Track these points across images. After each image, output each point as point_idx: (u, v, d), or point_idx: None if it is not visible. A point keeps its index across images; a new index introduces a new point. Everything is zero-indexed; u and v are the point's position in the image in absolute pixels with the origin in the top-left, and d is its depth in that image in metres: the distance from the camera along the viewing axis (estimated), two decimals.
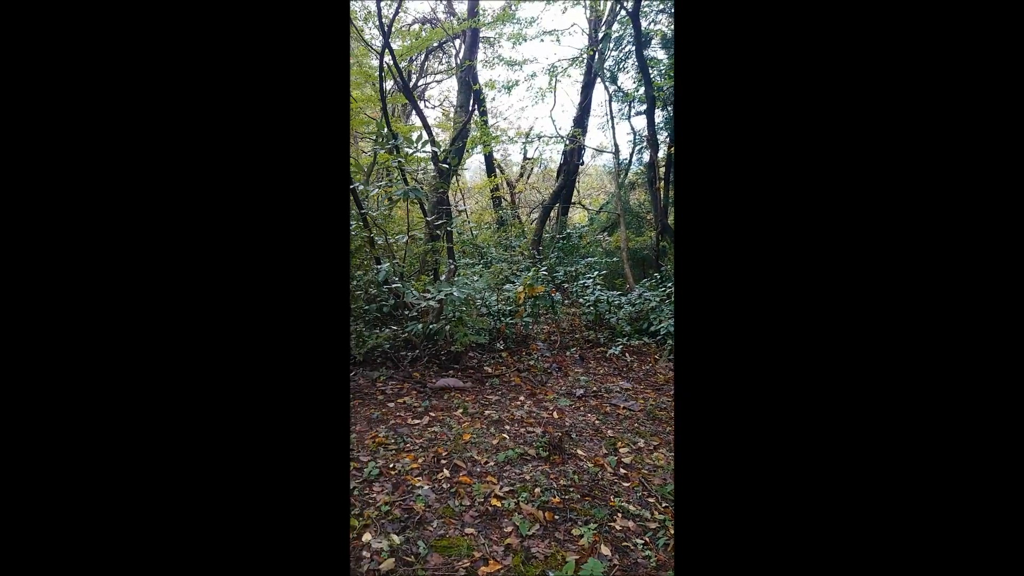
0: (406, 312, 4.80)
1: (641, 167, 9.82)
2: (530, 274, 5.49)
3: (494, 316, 5.31)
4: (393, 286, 4.65)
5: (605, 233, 10.03)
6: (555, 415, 3.68)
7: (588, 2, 9.35)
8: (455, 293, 4.39)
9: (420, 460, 2.90)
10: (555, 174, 11.50)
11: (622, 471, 2.87)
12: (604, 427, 3.50)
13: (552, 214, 10.53)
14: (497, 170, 11.74)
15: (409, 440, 3.15)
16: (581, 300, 6.43)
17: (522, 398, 4.00)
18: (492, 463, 2.90)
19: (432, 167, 7.23)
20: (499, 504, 2.49)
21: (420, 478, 2.71)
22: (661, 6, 8.63)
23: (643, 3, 7.65)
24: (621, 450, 3.13)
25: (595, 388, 4.29)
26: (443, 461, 2.90)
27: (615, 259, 8.15)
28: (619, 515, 2.43)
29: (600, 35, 9.33)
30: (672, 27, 8.59)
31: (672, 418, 3.69)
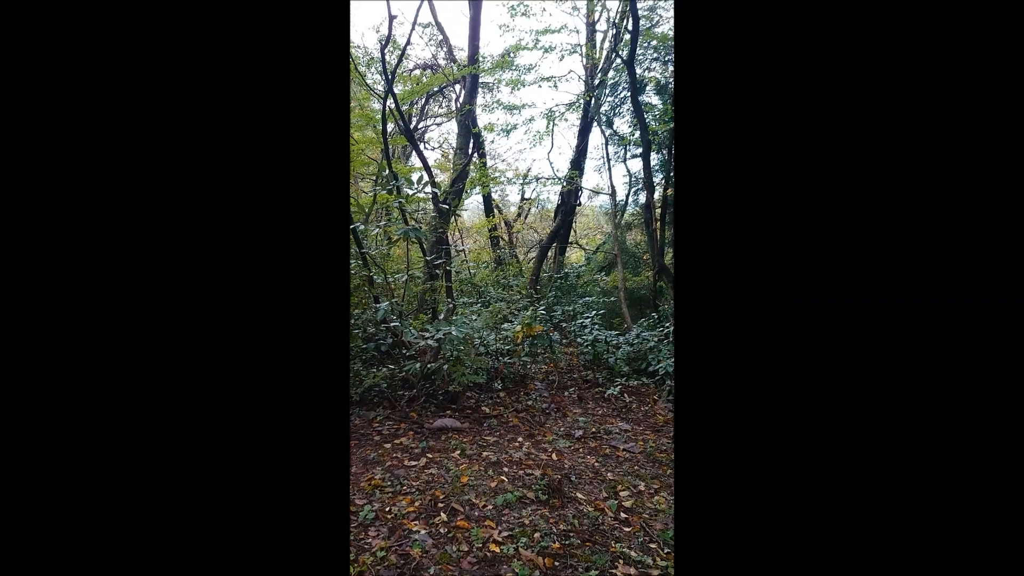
0: (404, 351, 4.79)
1: (637, 208, 9.96)
2: (528, 313, 5.50)
3: (492, 356, 5.29)
4: (391, 325, 4.64)
5: (602, 273, 10.09)
6: (554, 457, 3.63)
7: (585, 50, 9.66)
8: (453, 332, 4.39)
9: (417, 503, 2.85)
10: (552, 214, 11.64)
11: (623, 515, 2.82)
12: (604, 469, 3.45)
13: (550, 254, 10.61)
14: (495, 210, 11.88)
15: (406, 482, 3.10)
16: (579, 340, 6.42)
17: (520, 439, 3.96)
18: (490, 507, 2.85)
19: (431, 207, 7.33)
20: (498, 550, 2.43)
21: (417, 522, 2.65)
22: (655, 54, 8.92)
23: (638, 51, 7.91)
24: (621, 493, 3.08)
25: (594, 429, 4.24)
26: (440, 504, 2.85)
27: (612, 299, 8.18)
28: (620, 562, 2.38)
29: (596, 81, 9.60)
30: (666, 75, 8.85)
31: (672, 460, 3.64)
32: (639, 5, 7.49)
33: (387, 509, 2.77)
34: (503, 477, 3.24)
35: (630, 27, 7.13)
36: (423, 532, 2.55)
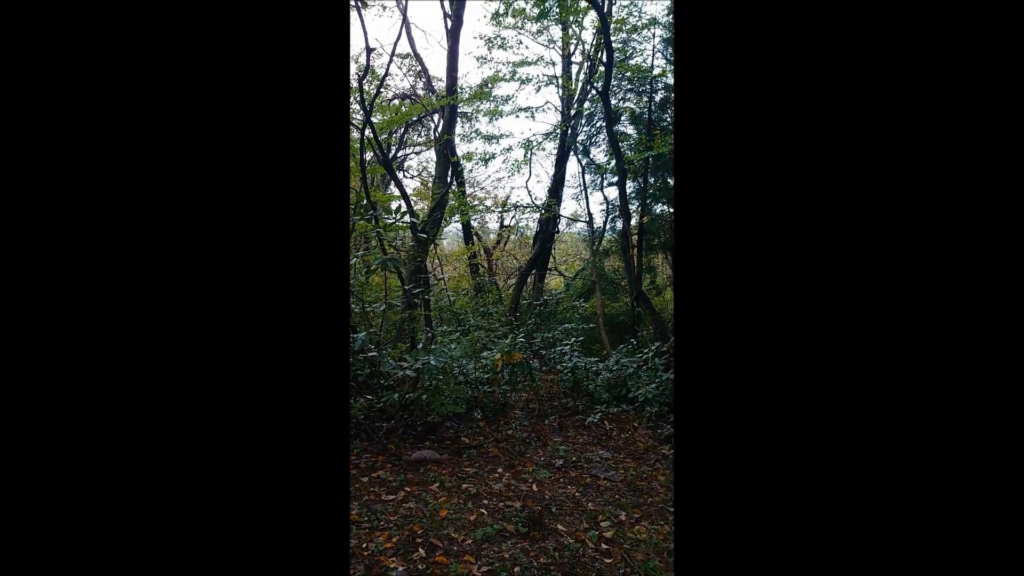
0: (382, 381, 4.73)
1: (615, 235, 10.08)
2: (507, 341, 5.49)
3: (471, 385, 5.25)
4: (369, 355, 4.59)
5: (581, 299, 10.15)
6: (534, 488, 3.59)
7: (561, 81, 9.88)
8: (432, 362, 4.36)
9: (395, 539, 2.79)
10: (531, 241, 11.72)
11: (604, 546, 2.79)
12: (584, 499, 3.42)
13: (529, 280, 10.65)
14: (475, 238, 11.94)
15: (383, 517, 3.03)
16: (559, 367, 6.41)
17: (500, 470, 3.91)
18: (470, 541, 2.79)
19: (410, 236, 7.33)
20: None
21: (394, 559, 2.59)
22: (629, 85, 9.16)
23: (612, 83, 8.11)
24: (602, 524, 3.05)
25: (575, 458, 4.21)
26: (419, 539, 2.79)
27: (591, 325, 8.21)
28: None
29: (572, 112, 9.80)
30: (640, 105, 9.08)
31: (653, 488, 3.63)
32: (612, 38, 7.71)
33: (364, 545, 2.70)
34: (483, 510, 3.19)
35: (604, 59, 7.33)
36: (401, 569, 2.49)
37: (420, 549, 2.69)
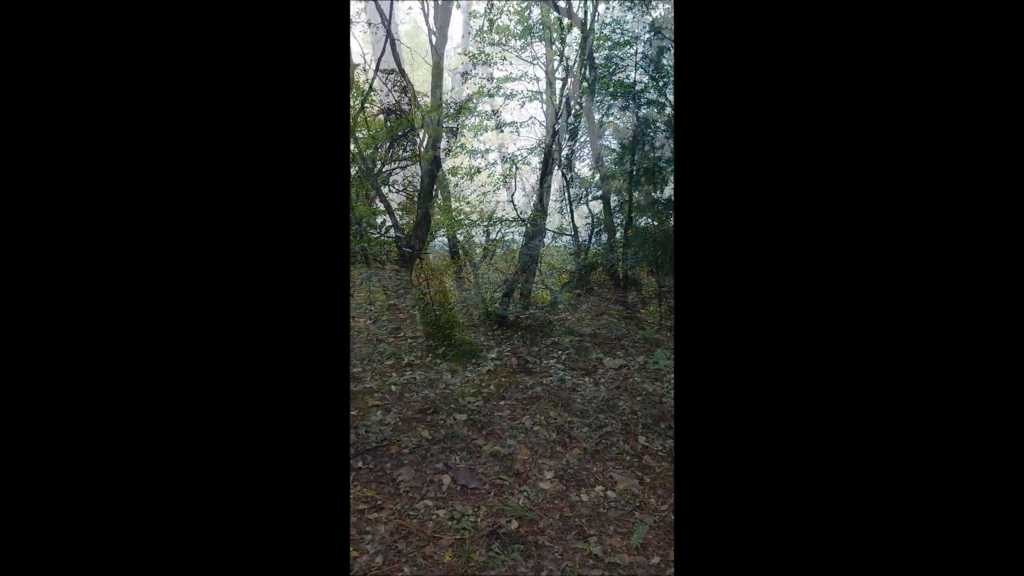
0: (367, 398, 4.68)
1: (599, 248, 10.12)
2: (494, 356, 5.46)
3: (458, 399, 5.21)
4: (354, 371, 4.54)
5: (567, 313, 10.14)
6: (522, 503, 3.56)
7: (545, 97, 9.97)
8: (418, 378, 4.32)
9: (379, 559, 2.74)
10: (517, 255, 11.72)
11: (591, 562, 2.76)
12: (574, 515, 3.39)
13: (516, 294, 10.63)
14: (461, 251, 11.91)
15: (367, 537, 2.98)
16: (546, 380, 6.39)
17: (488, 486, 3.87)
18: (457, 560, 2.75)
19: (395, 250, 7.31)
20: None
21: None
22: (612, 100, 9.27)
23: (595, 98, 8.21)
24: (591, 539, 3.02)
25: (564, 473, 4.18)
26: (404, 559, 2.74)
27: (578, 338, 8.20)
28: None
29: (556, 127, 9.88)
30: (623, 120, 9.19)
31: (642, 503, 3.61)
32: (595, 54, 7.82)
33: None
34: (471, 528, 3.15)
35: (587, 75, 7.42)
36: None
37: (405, 568, 2.64)
